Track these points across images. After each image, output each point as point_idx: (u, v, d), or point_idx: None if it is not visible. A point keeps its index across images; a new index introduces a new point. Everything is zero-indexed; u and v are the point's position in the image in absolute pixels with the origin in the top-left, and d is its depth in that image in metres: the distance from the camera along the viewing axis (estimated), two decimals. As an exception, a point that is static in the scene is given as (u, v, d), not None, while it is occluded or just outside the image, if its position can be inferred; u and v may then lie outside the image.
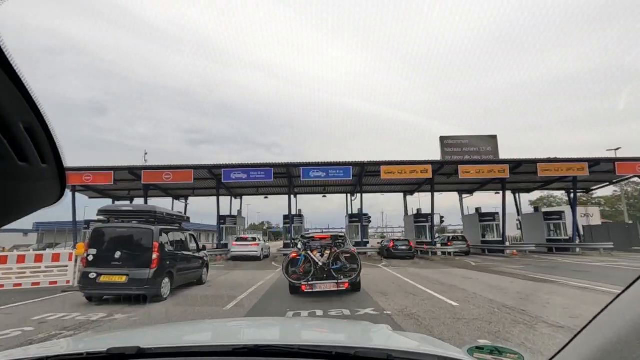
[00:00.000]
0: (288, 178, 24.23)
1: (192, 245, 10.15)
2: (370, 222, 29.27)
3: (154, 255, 7.71)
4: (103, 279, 7.49)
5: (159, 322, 6.11)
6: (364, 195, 25.35)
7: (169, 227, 9.00)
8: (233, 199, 30.31)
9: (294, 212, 26.64)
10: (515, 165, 22.12)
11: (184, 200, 30.92)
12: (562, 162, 21.71)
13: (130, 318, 6.43)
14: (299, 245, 8.93)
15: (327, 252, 8.15)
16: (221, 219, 25.49)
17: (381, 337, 1.80)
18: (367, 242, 25.64)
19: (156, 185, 23.64)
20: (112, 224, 8.18)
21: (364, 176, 23.79)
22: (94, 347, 1.31)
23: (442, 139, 23.92)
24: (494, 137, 23.93)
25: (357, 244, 24.82)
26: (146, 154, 29.76)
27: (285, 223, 27.28)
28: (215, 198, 26.57)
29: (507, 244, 25.08)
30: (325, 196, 30.91)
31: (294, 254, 8.22)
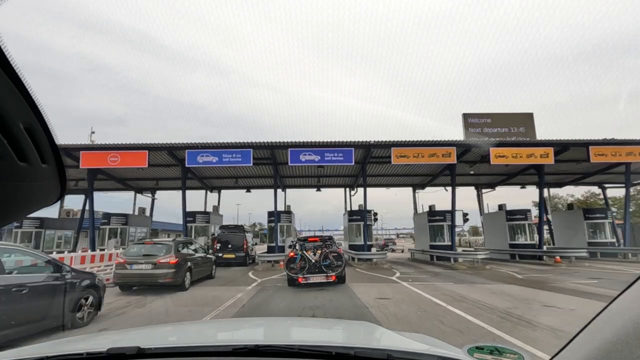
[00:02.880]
0: (273, 165, 19.36)
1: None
2: (376, 220, 24.01)
3: (245, 246, 19.14)
4: (224, 255, 18.42)
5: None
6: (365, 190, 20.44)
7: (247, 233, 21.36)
8: (209, 192, 25.36)
9: (281, 207, 21.69)
10: (560, 148, 17.51)
11: (149, 195, 25.83)
12: (620, 145, 17.17)
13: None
14: (297, 247, 10.62)
15: (319, 251, 10.15)
16: (189, 215, 20.45)
17: (381, 337, 1.82)
18: (371, 246, 20.59)
19: (102, 171, 18.60)
20: (225, 232, 20.41)
21: (368, 162, 19.02)
22: (94, 347, 1.32)
23: (465, 116, 19.19)
24: (530, 115, 19.26)
25: (356, 248, 19.99)
26: (93, 132, 24.26)
27: (269, 221, 22.08)
28: (189, 192, 21.73)
29: (545, 247, 20.48)
30: (319, 190, 25.92)
31: (291, 254, 10.18)
